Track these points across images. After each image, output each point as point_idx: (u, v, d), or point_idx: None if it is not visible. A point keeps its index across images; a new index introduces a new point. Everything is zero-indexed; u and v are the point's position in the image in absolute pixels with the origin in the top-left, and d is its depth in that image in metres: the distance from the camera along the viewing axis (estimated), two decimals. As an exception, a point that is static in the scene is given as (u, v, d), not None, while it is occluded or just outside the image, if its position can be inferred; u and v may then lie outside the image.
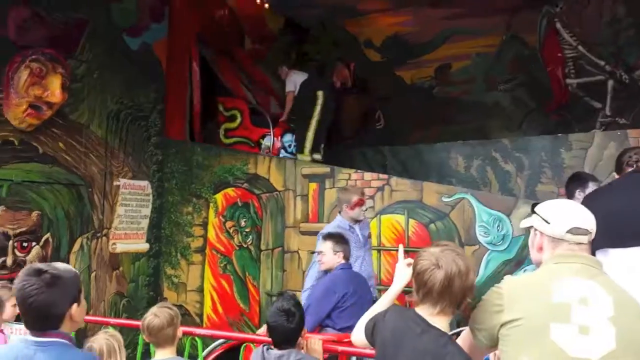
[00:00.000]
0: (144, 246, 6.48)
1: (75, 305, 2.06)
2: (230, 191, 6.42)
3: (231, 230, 6.37)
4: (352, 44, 9.13)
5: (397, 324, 2.06)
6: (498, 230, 5.09)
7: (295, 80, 7.54)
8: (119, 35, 6.25)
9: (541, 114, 7.73)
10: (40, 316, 2.01)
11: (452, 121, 8.11)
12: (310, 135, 7.13)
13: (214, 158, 6.54)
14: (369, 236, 4.73)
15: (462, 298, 2.01)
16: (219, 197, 6.46)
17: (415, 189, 5.48)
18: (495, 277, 4.99)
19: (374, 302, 2.35)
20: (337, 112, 7.61)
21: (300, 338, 2.96)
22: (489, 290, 2.01)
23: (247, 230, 6.28)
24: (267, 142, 7.35)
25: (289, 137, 7.44)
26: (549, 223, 2.00)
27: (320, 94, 7.28)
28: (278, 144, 7.37)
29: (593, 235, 1.99)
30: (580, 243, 1.96)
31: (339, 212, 4.70)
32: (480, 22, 8.22)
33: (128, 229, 6.25)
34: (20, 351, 2.01)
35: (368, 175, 5.80)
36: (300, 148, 7.20)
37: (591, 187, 3.89)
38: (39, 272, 2.00)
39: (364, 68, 8.74)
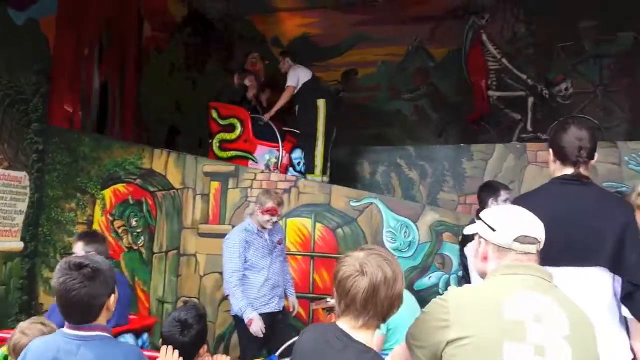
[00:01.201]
0: (17, 245, 5.74)
1: (113, 296, 2.14)
2: (120, 187, 5.87)
3: (120, 231, 5.82)
4: (259, 41, 8.85)
5: (316, 343, 1.81)
6: (405, 236, 5.03)
7: (299, 76, 6.58)
8: (2, 8, 5.52)
9: (462, 123, 7.90)
10: (83, 309, 2.07)
11: (358, 126, 8.08)
12: (319, 152, 6.33)
13: (103, 150, 5.95)
14: (280, 242, 4.43)
15: (389, 309, 1.79)
16: (108, 193, 5.89)
17: (324, 192, 5.29)
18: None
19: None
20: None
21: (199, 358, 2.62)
22: (432, 303, 1.81)
23: (138, 230, 5.77)
24: (271, 156, 6.35)
25: (298, 154, 6.54)
26: (494, 231, 1.85)
27: (321, 103, 6.41)
28: (286, 161, 6.45)
29: (542, 245, 1.86)
30: (528, 253, 1.82)
31: (250, 215, 4.37)
32: (388, 31, 8.29)
33: (0, 225, 5.51)
34: (61, 346, 2.04)
35: (275, 176, 5.54)
36: (310, 167, 6.33)
37: (503, 195, 3.93)
38: (79, 267, 2.07)
39: (273, 67, 8.49)
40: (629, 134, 7.12)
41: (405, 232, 5.04)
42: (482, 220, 1.91)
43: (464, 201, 6.46)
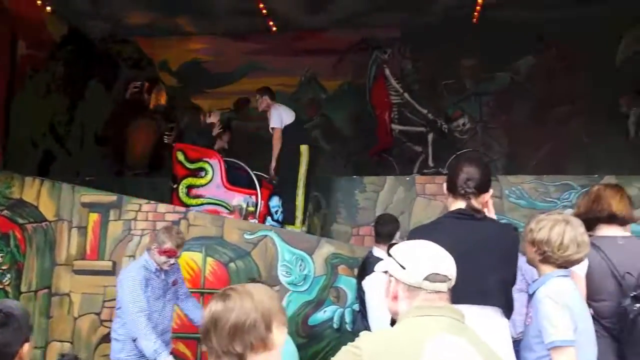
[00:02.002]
0: None
1: (26, 344, 1.98)
2: (-16, 219, 5.22)
3: (-18, 268, 5.16)
4: (145, 64, 8.46)
5: None
6: (300, 270, 4.88)
7: (282, 116, 6.12)
8: None
9: (365, 155, 7.92)
10: None
11: (250, 156, 7.90)
12: (300, 202, 5.89)
13: (-35, 177, 5.28)
14: (174, 282, 4.06)
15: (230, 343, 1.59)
16: (-31, 226, 5.21)
17: (216, 225, 5.02)
18: (296, 319, 4.77)
19: None
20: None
21: None
22: (344, 350, 1.69)
23: (4, 267, 5.15)
24: (244, 203, 5.76)
25: (275, 202, 6.04)
26: (404, 269, 1.77)
27: (304, 149, 6.02)
28: (263, 209, 5.92)
29: (453, 282, 1.79)
30: (439, 291, 1.74)
31: (147, 250, 3.98)
32: (281, 61, 8.27)
33: None
34: None
35: (162, 207, 5.18)
36: (289, 218, 5.91)
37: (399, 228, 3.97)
38: None
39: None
40: (506, 167, 7.55)
41: (301, 265, 4.89)
42: (392, 257, 1.81)
43: (357, 232, 6.46)
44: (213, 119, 6.46)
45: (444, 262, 1.78)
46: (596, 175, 6.45)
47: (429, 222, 2.58)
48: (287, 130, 6.07)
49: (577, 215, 2.81)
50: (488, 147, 7.98)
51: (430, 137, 7.79)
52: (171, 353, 3.99)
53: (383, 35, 8.21)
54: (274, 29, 8.05)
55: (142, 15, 7.64)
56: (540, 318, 2.36)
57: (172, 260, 3.89)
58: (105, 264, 4.89)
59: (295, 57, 8.23)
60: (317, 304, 4.84)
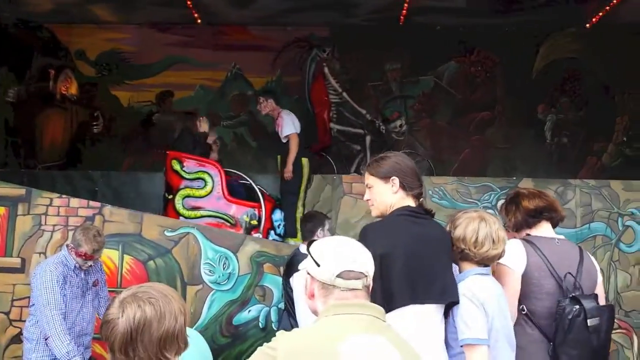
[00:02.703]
0: None
1: None
2: None
3: None
4: (62, 53, 7.98)
5: None
6: (224, 268, 4.72)
7: (295, 122, 5.96)
8: None
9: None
10: None
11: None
12: (301, 213, 5.71)
13: None
14: (95, 283, 3.78)
15: (160, 352, 1.53)
16: None
17: (134, 221, 4.76)
18: (219, 318, 4.62)
19: None
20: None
21: None
22: (258, 350, 1.62)
23: None
24: (246, 216, 5.45)
25: (278, 215, 5.81)
26: (319, 266, 1.70)
27: (305, 162, 5.92)
28: (267, 223, 5.65)
29: (370, 280, 1.72)
30: (353, 289, 1.67)
31: (67, 245, 3.67)
32: (208, 55, 8.06)
33: None
34: None
35: (75, 202, 4.84)
36: (291, 231, 5.73)
37: (327, 224, 3.93)
38: None
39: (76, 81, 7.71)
40: (429, 169, 7.70)
41: (225, 263, 4.73)
42: (310, 254, 1.75)
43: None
44: (204, 127, 6.15)
45: (359, 259, 1.71)
46: (514, 178, 6.69)
47: (382, 220, 2.52)
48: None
49: (510, 218, 2.86)
50: (412, 149, 8.11)
51: (368, 138, 7.80)
52: (90, 358, 3.74)
53: (311, 33, 8.18)
54: (199, 21, 7.81)
55: (59, 2, 7.18)
56: (455, 315, 2.38)
57: (89, 262, 3.63)
58: (14, 261, 4.52)
59: (221, 52, 8.03)
60: (242, 303, 4.69)
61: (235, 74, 8.22)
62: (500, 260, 2.60)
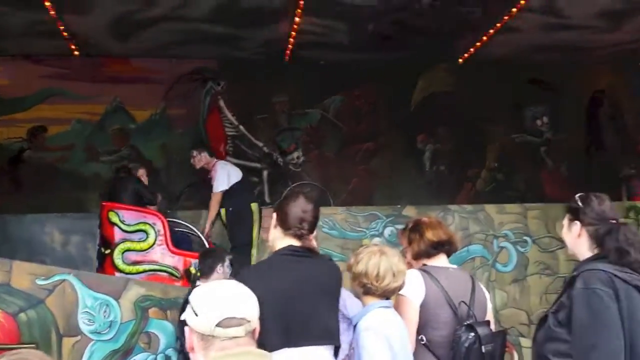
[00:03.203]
0: None
1: None
2: None
3: None
4: None
5: None
6: (104, 316, 4.41)
7: (230, 175, 5.75)
8: None
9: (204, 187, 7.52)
10: None
11: (45, 190, 7.14)
12: (255, 261, 5.54)
13: None
14: None
15: None
16: None
17: (2, 270, 4.33)
18: (101, 372, 4.29)
19: None
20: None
21: None
22: None
23: None
24: (193, 268, 4.90)
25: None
26: (197, 315, 1.57)
27: (255, 207, 5.80)
28: None
29: (254, 325, 1.60)
30: (235, 337, 1.54)
31: None
32: (85, 87, 7.67)
33: None
34: None
35: None
36: None
37: (227, 260, 3.83)
38: None
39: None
40: (327, 201, 7.78)
41: (105, 311, 4.42)
42: (189, 302, 1.64)
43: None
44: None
45: (242, 304, 1.59)
46: (399, 206, 6.95)
47: (261, 261, 2.48)
48: (238, 189, 5.84)
49: (412, 247, 2.93)
50: (300, 179, 8.17)
51: (265, 173, 7.71)
52: None
53: (200, 66, 8.07)
54: (76, 52, 7.43)
55: None
56: (359, 349, 2.39)
57: None
58: None
59: (101, 84, 7.68)
60: (125, 352, 4.40)
61: (116, 106, 7.88)
62: (400, 291, 2.65)
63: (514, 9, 6.53)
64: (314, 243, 2.57)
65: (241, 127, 7.69)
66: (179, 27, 6.82)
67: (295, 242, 2.45)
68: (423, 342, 2.67)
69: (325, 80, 8.26)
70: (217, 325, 1.52)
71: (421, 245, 2.89)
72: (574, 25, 6.95)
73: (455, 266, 2.98)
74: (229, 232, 5.89)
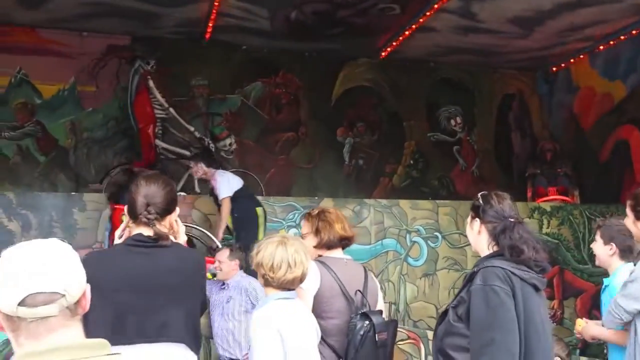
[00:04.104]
0: None
1: None
2: None
3: None
4: None
5: None
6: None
7: (230, 182, 5.76)
8: None
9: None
10: None
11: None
12: None
13: None
14: None
15: None
16: None
17: None
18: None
19: None
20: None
21: None
22: None
23: None
24: (210, 273, 4.77)
25: None
26: None
27: (260, 212, 5.85)
28: None
29: (74, 297, 1.25)
30: (46, 317, 1.21)
31: None
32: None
33: None
34: None
35: None
36: None
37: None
38: None
39: None
40: (260, 189, 7.64)
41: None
42: None
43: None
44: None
45: (52, 274, 1.22)
46: (316, 198, 6.97)
47: (107, 249, 2.32)
48: (242, 195, 5.87)
49: (319, 236, 2.91)
50: (219, 167, 7.98)
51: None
52: None
53: (112, 42, 7.68)
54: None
55: None
56: (250, 340, 2.40)
57: None
58: None
59: (3, 54, 7.13)
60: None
61: (20, 79, 7.35)
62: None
63: (432, 10, 6.69)
64: (176, 225, 2.36)
65: (171, 109, 7.36)
66: (91, -1, 6.46)
67: (146, 231, 2.26)
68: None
69: (247, 66, 8.12)
70: (20, 304, 1.20)
71: (330, 236, 2.91)
72: (487, 30, 7.21)
73: (349, 257, 3.02)
74: (236, 237, 5.89)
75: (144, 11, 6.81)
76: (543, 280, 2.32)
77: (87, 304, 1.31)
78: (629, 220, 2.76)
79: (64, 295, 1.22)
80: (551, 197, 7.64)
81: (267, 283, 2.52)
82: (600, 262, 3.35)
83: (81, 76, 7.53)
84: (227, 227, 5.90)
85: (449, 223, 6.73)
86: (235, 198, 5.80)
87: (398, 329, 5.67)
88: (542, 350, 2.22)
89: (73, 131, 7.49)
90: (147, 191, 2.27)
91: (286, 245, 2.51)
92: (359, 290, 2.78)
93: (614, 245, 3.19)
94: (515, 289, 2.21)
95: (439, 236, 6.75)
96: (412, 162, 8.65)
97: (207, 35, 7.54)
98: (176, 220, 2.37)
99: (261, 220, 5.93)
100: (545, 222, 6.94)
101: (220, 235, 5.86)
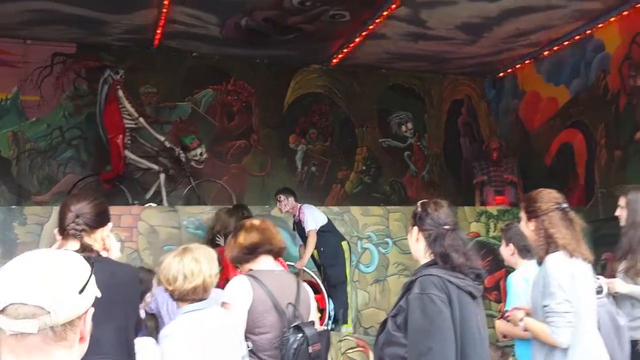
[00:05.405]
0: None
1: None
2: None
3: None
4: None
5: None
6: None
7: (315, 217, 6.02)
8: None
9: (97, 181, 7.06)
10: None
11: None
12: (350, 299, 6.09)
13: None
14: None
15: None
16: None
17: None
18: None
19: None
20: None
21: None
22: None
23: None
24: None
25: (331, 303, 6.01)
26: None
27: (345, 246, 6.17)
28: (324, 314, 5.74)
29: (59, 318, 1.13)
30: (24, 334, 1.11)
31: None
32: None
33: None
34: None
35: None
36: (344, 317, 6.01)
37: None
38: None
39: None
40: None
41: None
42: None
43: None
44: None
45: (42, 285, 1.13)
46: (267, 206, 6.91)
47: None
48: (327, 229, 6.14)
49: (240, 248, 2.86)
50: (202, 177, 7.84)
51: (162, 177, 7.13)
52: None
53: (57, 50, 7.47)
54: None
55: None
56: (161, 356, 2.36)
57: None
58: None
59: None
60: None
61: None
62: (224, 299, 2.64)
63: (381, 17, 6.75)
64: (107, 240, 2.35)
65: (141, 119, 7.17)
66: (33, 5, 6.26)
67: (74, 245, 2.24)
68: (250, 349, 2.66)
69: (197, 73, 8.02)
70: (1, 312, 1.10)
71: (234, 252, 2.89)
72: (436, 36, 7.33)
73: (281, 268, 3.01)
74: (323, 272, 6.18)
75: (91, 18, 6.65)
76: (479, 287, 2.35)
77: (86, 332, 1.20)
78: (522, 222, 2.87)
79: (48, 313, 1.10)
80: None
81: (174, 297, 2.52)
82: (507, 263, 3.65)
83: (25, 85, 7.30)
84: (312, 256, 6.15)
85: (400, 229, 6.77)
86: (321, 232, 6.06)
87: (346, 337, 5.69)
88: (479, 357, 2.25)
89: (16, 142, 7.25)
90: (77, 205, 2.29)
91: (182, 256, 2.49)
92: (291, 303, 2.76)
93: (512, 245, 3.43)
94: (452, 296, 2.23)
95: (390, 242, 6.79)
96: (364, 168, 8.69)
97: (156, 42, 7.42)
98: (108, 236, 2.33)
99: (347, 254, 6.23)
100: (492, 225, 7.06)
101: (305, 262, 6.11)
